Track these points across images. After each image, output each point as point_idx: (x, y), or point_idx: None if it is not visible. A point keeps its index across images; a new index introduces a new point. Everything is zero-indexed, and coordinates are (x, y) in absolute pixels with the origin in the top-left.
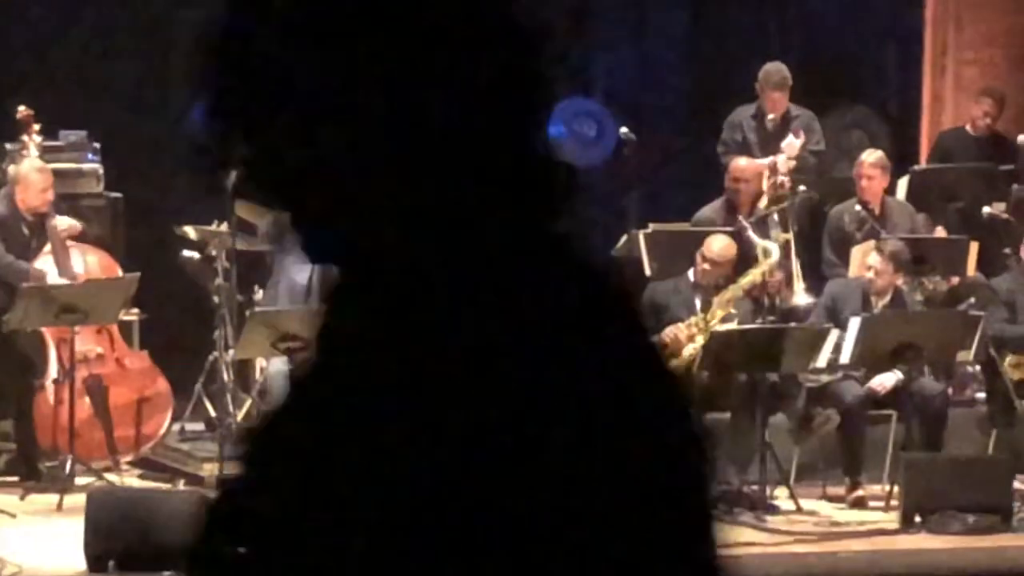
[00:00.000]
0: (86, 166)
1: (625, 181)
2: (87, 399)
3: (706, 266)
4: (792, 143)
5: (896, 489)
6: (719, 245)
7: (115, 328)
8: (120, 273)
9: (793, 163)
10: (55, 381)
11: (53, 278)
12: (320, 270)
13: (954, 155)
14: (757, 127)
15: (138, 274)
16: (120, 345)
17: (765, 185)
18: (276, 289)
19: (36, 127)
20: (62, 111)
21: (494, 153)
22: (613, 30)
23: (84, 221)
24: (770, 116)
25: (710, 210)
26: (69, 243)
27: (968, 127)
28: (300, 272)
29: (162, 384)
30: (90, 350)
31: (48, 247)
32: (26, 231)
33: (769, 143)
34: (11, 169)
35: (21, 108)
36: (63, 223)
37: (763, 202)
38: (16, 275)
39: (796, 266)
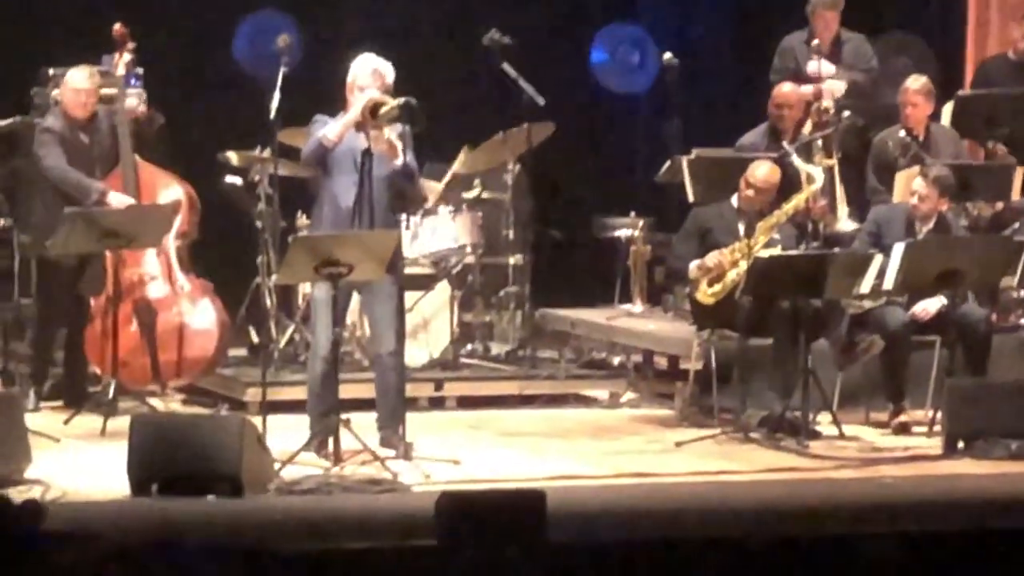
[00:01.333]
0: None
1: (668, 107)
2: (135, 325)
3: (750, 192)
4: (832, 84)
5: (939, 415)
6: (763, 171)
7: (172, 251)
8: (182, 193)
9: (842, 90)
10: (108, 299)
11: (118, 198)
12: (364, 192)
13: (997, 82)
14: (809, 53)
15: (181, 200)
16: (174, 269)
17: (811, 109)
18: (321, 213)
19: (131, 45)
20: (105, 37)
21: None
22: None
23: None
24: (816, 42)
25: (754, 135)
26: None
27: (1009, 52)
28: (345, 196)
29: (210, 310)
30: (146, 273)
31: (118, 168)
32: (85, 139)
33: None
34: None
35: (117, 25)
36: (130, 103)
37: (807, 127)
38: (79, 190)
39: (840, 192)
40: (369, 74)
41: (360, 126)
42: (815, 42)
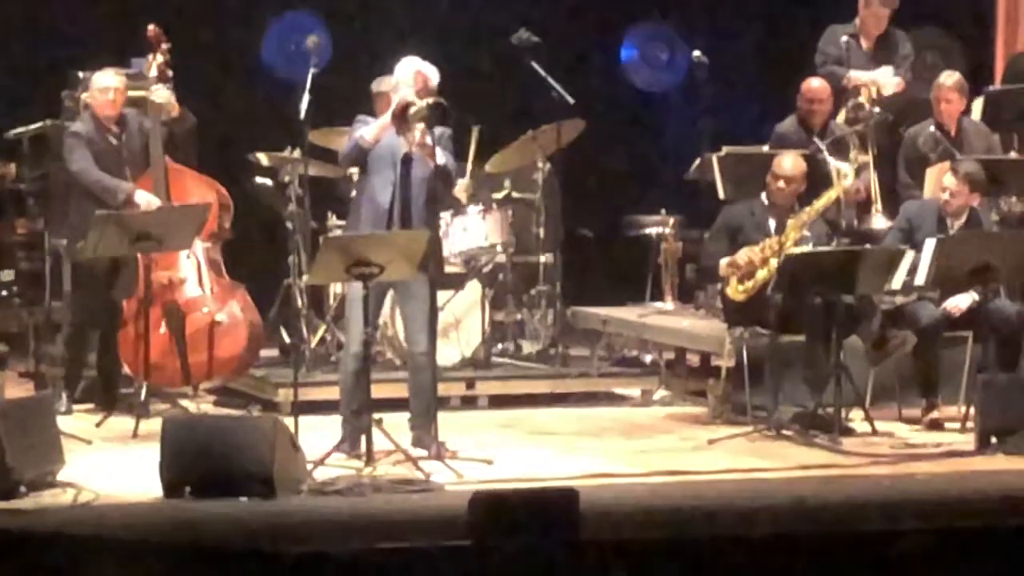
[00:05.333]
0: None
1: (698, 105)
2: (164, 328)
3: (780, 184)
4: (887, 74)
5: (972, 411)
6: (789, 162)
7: (202, 253)
8: (212, 194)
9: (892, 86)
10: (140, 301)
11: (145, 197)
12: (401, 193)
13: None
14: (856, 48)
15: (211, 202)
16: (204, 271)
17: (846, 106)
18: (358, 212)
19: (165, 46)
20: (135, 40)
21: None
22: None
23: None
24: (865, 46)
25: (788, 124)
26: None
27: None
28: (383, 196)
29: (240, 310)
30: (176, 275)
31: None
32: (114, 141)
33: (867, 65)
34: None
35: (151, 27)
36: (160, 96)
37: (840, 117)
38: (107, 191)
39: (875, 188)
40: (411, 76)
41: (399, 128)
42: (865, 46)
